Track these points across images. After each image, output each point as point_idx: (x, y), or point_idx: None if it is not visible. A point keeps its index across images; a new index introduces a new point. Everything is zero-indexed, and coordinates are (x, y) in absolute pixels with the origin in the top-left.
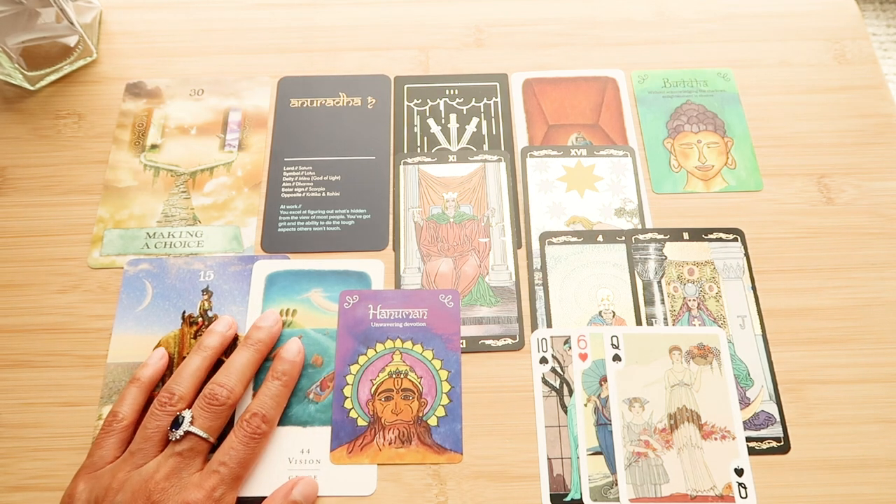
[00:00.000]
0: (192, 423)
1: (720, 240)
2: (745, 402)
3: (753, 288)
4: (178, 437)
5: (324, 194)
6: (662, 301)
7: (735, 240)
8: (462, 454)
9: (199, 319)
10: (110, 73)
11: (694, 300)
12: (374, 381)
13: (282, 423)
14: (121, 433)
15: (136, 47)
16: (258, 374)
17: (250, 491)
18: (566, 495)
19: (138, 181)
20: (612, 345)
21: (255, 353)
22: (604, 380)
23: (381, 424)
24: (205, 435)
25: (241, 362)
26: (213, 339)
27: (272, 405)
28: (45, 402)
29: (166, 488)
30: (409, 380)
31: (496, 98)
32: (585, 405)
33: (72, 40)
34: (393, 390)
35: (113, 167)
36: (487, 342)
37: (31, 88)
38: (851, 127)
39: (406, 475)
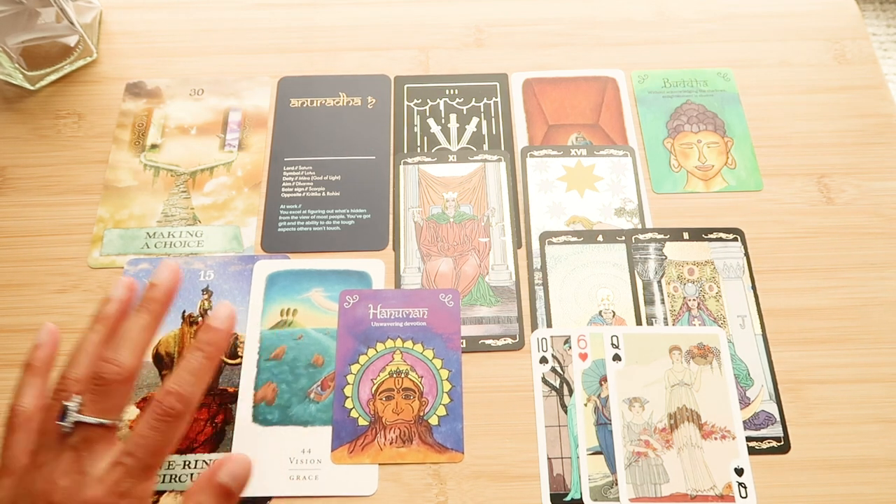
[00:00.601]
0: (80, 410)
1: (720, 240)
2: (745, 401)
3: (753, 288)
4: (68, 430)
5: (324, 194)
6: (662, 301)
7: (735, 240)
8: (463, 453)
9: (199, 319)
10: (110, 73)
11: (694, 300)
12: (375, 381)
13: (282, 422)
14: (26, 428)
15: (136, 47)
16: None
17: (250, 491)
18: (566, 495)
19: (138, 181)
20: (612, 344)
21: (147, 315)
22: (604, 379)
23: (382, 424)
24: (96, 421)
25: (131, 329)
26: (109, 307)
27: (191, 381)
28: None
29: (67, 487)
30: (410, 379)
31: (496, 98)
32: (585, 405)
33: (72, 40)
34: (394, 390)
35: (113, 167)
36: (487, 342)
37: (31, 88)
38: (851, 127)
39: (406, 475)
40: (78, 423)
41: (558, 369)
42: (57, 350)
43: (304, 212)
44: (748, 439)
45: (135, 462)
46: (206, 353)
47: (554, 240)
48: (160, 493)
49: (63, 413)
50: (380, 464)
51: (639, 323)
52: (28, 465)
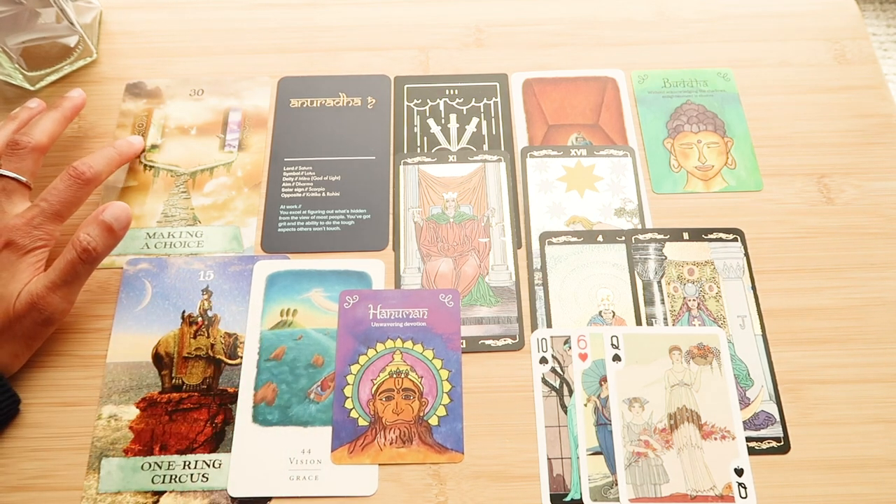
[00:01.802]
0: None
1: (720, 240)
2: (745, 402)
3: (753, 288)
4: None
5: (324, 194)
6: (662, 301)
7: (735, 240)
8: (463, 454)
9: (199, 319)
10: (110, 73)
11: (694, 300)
12: (375, 381)
13: (282, 423)
14: None
15: (136, 47)
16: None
17: (250, 491)
18: (566, 495)
19: (138, 181)
20: (612, 345)
21: (57, 112)
22: (604, 380)
23: (382, 424)
24: (13, 175)
25: (42, 118)
26: (21, 111)
27: (101, 160)
28: (45, 402)
29: None
30: (410, 379)
31: (496, 98)
32: (585, 405)
33: (72, 40)
34: (394, 390)
35: None
36: (487, 342)
37: (31, 88)
38: (851, 127)
39: (406, 475)
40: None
41: (558, 369)
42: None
43: (304, 212)
44: (748, 439)
45: (48, 206)
46: (119, 150)
47: (554, 240)
48: (160, 493)
49: None
50: (380, 464)
51: (639, 323)
52: None
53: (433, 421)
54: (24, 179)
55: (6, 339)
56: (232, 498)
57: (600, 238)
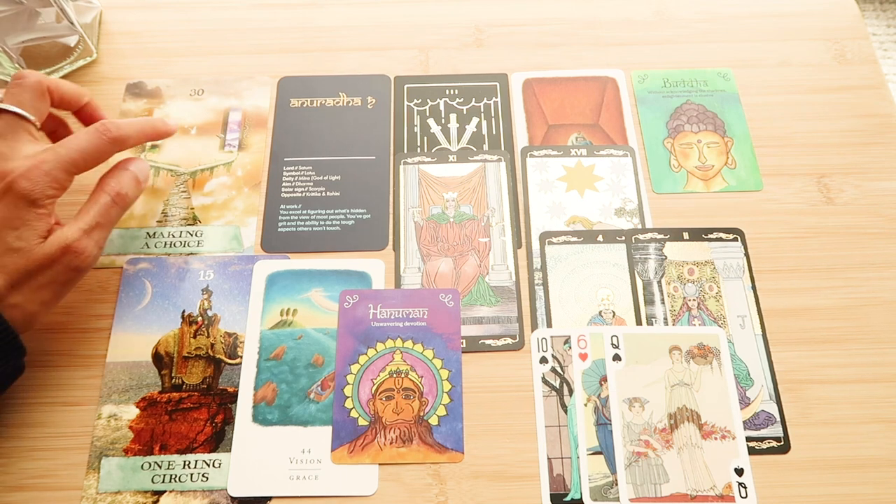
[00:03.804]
0: (1, 100)
1: (720, 240)
2: (745, 401)
3: (753, 288)
4: None
5: (324, 194)
6: (662, 301)
7: (735, 240)
8: (463, 453)
9: (199, 319)
10: (110, 73)
11: (694, 300)
12: (375, 381)
13: (282, 422)
14: None
15: (136, 47)
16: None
17: (250, 491)
18: (566, 495)
19: None
20: (612, 345)
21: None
22: (604, 380)
23: (382, 424)
24: (14, 109)
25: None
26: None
27: (130, 124)
28: (45, 402)
29: None
30: (410, 379)
31: (496, 98)
32: (585, 405)
33: (72, 40)
34: (394, 390)
35: None
36: (487, 342)
37: None
38: (851, 127)
39: (406, 475)
40: (1, 111)
41: (558, 369)
42: None
43: (304, 212)
44: (748, 439)
45: (65, 151)
46: (153, 124)
47: (554, 240)
48: (160, 492)
49: None
50: (380, 464)
51: (639, 323)
52: None
53: (433, 421)
54: (29, 116)
55: (32, 287)
56: (232, 498)
57: (600, 238)
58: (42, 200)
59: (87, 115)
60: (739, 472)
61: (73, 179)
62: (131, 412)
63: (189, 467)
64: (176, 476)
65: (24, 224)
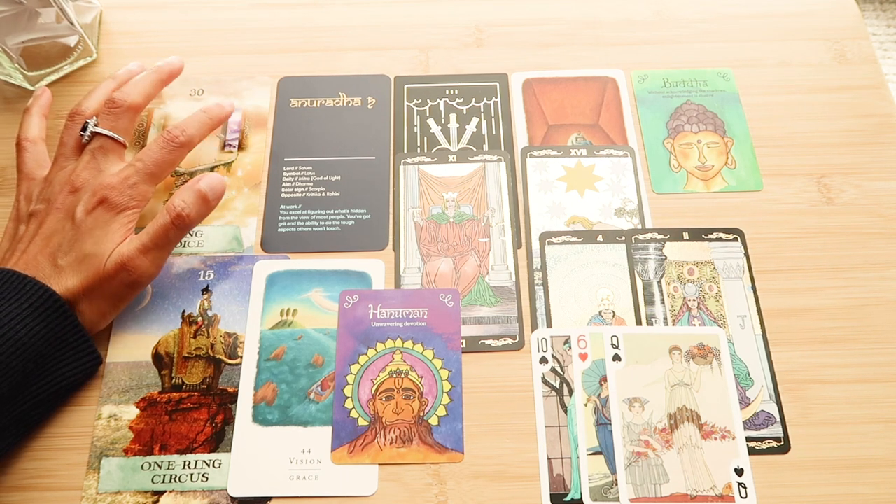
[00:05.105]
0: (96, 125)
1: (720, 240)
2: (745, 401)
3: (753, 288)
4: (87, 139)
5: (324, 194)
6: (662, 301)
7: (735, 240)
8: (463, 453)
9: (199, 319)
10: (110, 72)
11: (694, 300)
12: (375, 381)
13: (282, 423)
14: (34, 150)
15: (136, 47)
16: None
17: (250, 491)
18: (566, 495)
19: None
20: (612, 345)
21: (155, 74)
22: (604, 380)
23: (382, 424)
24: (110, 133)
25: (140, 78)
26: (120, 72)
27: (193, 124)
28: None
29: (87, 179)
30: (410, 379)
31: (496, 98)
32: (585, 405)
33: (72, 40)
34: (394, 390)
35: None
36: (487, 342)
37: (31, 88)
38: (851, 127)
39: (406, 475)
40: (95, 134)
41: (558, 369)
42: (51, 100)
43: (304, 212)
44: (748, 439)
45: (144, 166)
46: (210, 114)
47: (554, 240)
48: (160, 492)
49: (84, 127)
50: (380, 464)
51: (639, 323)
52: (50, 172)
53: (433, 421)
54: (120, 138)
55: (95, 297)
56: (232, 498)
57: (600, 238)
58: (126, 213)
59: None
60: (739, 472)
61: (154, 189)
62: (131, 412)
63: (189, 467)
64: (176, 476)
65: (106, 234)
